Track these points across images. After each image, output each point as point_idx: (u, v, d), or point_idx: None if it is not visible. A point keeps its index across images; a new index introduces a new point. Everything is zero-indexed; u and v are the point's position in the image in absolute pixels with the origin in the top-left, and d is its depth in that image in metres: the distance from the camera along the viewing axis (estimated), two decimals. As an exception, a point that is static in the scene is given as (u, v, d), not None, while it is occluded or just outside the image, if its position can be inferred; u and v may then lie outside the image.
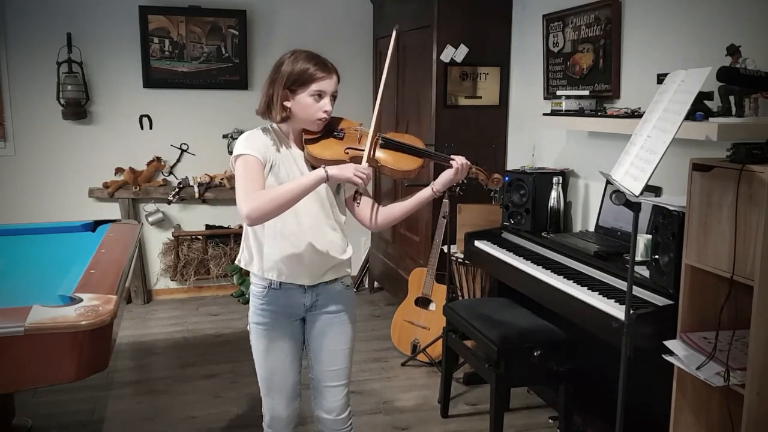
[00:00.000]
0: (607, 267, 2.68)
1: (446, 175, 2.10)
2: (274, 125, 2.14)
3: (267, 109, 2.09)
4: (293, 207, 1.99)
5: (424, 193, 2.12)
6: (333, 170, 1.94)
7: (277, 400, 2.23)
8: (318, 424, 2.31)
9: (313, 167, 2.08)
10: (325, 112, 2.06)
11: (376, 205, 2.19)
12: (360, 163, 2.03)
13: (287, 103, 2.06)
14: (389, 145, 2.12)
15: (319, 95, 2.05)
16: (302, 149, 2.11)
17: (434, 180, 2.14)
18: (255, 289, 2.19)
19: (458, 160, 2.09)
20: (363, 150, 2.06)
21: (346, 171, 1.95)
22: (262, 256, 2.12)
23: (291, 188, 1.93)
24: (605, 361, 2.70)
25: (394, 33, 2.18)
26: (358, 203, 2.09)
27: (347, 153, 2.07)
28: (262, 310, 2.18)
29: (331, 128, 2.13)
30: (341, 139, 2.12)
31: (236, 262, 2.25)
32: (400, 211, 2.18)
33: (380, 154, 2.11)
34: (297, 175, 2.07)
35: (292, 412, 2.26)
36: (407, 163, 2.11)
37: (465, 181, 2.20)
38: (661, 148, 1.91)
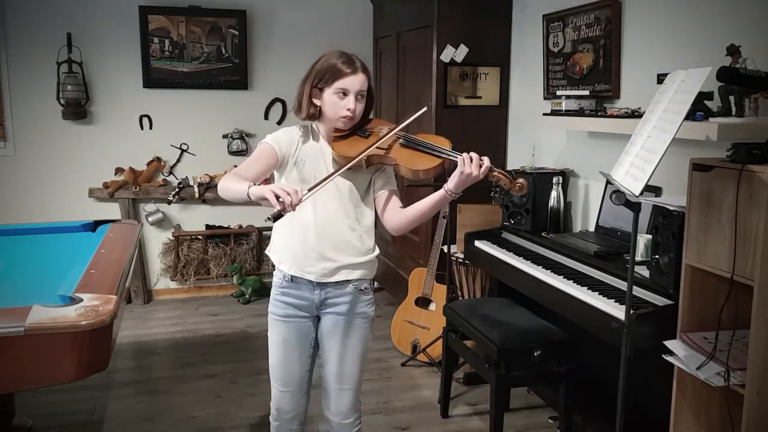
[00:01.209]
0: (607, 267, 2.68)
1: (455, 172, 1.97)
2: (313, 124, 2.16)
3: (298, 106, 2.13)
4: (312, 201, 2.02)
5: (437, 194, 2.03)
6: (254, 188, 1.90)
7: (282, 392, 2.24)
8: (326, 425, 2.32)
9: (339, 165, 2.10)
10: (349, 110, 2.06)
11: (396, 208, 2.14)
12: (376, 162, 2.05)
13: (317, 101, 2.09)
14: (408, 143, 2.10)
15: (344, 93, 2.06)
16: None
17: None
18: (274, 279, 2.23)
19: (463, 155, 1.97)
20: (382, 149, 2.06)
21: (265, 188, 1.86)
22: (280, 244, 2.16)
23: (235, 188, 1.96)
24: (605, 361, 2.70)
25: (424, 109, 2.17)
26: (267, 219, 1.87)
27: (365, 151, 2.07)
28: (277, 300, 2.20)
29: (360, 128, 2.14)
30: (366, 137, 2.12)
31: (266, 250, 2.28)
32: (414, 213, 2.09)
33: (398, 152, 2.08)
34: (323, 171, 2.09)
35: (297, 407, 2.26)
36: (423, 162, 2.06)
37: (495, 187, 2.08)
38: (661, 148, 1.91)
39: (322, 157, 2.12)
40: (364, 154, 2.03)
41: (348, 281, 2.16)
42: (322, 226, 2.09)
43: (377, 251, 2.21)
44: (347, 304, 2.17)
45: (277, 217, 1.85)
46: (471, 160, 1.95)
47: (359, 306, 2.20)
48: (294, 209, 1.84)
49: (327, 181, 1.98)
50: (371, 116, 2.24)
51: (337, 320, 2.19)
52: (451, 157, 2.03)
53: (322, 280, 2.13)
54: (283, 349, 2.21)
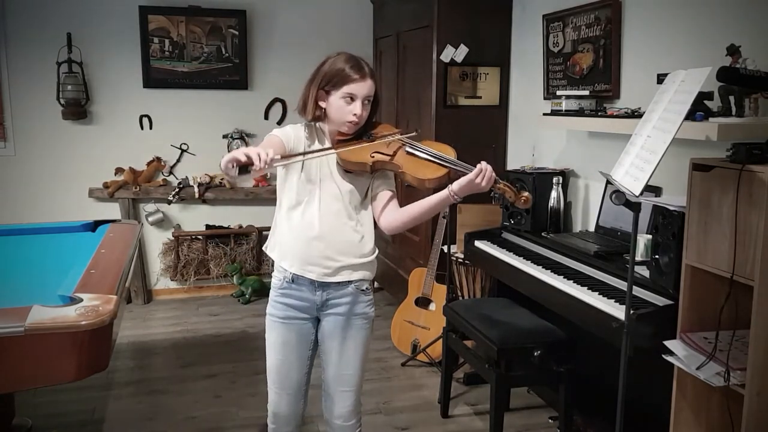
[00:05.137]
0: (607, 267, 2.68)
1: (465, 178, 1.99)
2: (318, 125, 2.16)
3: (303, 107, 2.12)
4: (317, 201, 2.07)
5: (440, 194, 2.04)
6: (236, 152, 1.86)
7: (280, 395, 2.23)
8: (327, 426, 2.31)
9: (344, 170, 2.11)
10: (355, 115, 2.05)
11: (392, 207, 2.15)
12: (381, 168, 2.07)
13: (322, 104, 2.09)
14: (413, 151, 2.10)
15: (351, 98, 2.05)
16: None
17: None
18: (274, 280, 2.22)
19: (482, 164, 1.99)
20: (388, 155, 2.06)
21: (239, 150, 1.85)
22: (281, 243, 2.15)
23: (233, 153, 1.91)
24: (605, 361, 2.70)
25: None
26: (248, 171, 1.86)
27: (373, 156, 2.07)
28: (276, 302, 2.20)
29: (365, 131, 2.13)
30: (371, 142, 2.12)
31: (263, 247, 2.28)
32: (413, 212, 2.10)
33: (403, 159, 2.08)
34: (326, 173, 2.11)
35: (294, 411, 2.25)
36: (429, 171, 2.06)
37: (495, 195, 2.11)
38: (661, 148, 1.92)
39: (326, 158, 2.12)
40: (372, 159, 2.04)
41: (349, 282, 2.16)
42: (326, 227, 2.09)
43: (377, 252, 2.21)
44: (348, 305, 2.17)
45: (242, 169, 1.85)
46: (484, 173, 1.97)
47: (360, 307, 2.19)
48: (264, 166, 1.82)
49: (313, 156, 2.04)
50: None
51: (338, 321, 2.18)
52: (460, 169, 2.03)
53: (324, 280, 2.13)
54: (282, 352, 2.20)
